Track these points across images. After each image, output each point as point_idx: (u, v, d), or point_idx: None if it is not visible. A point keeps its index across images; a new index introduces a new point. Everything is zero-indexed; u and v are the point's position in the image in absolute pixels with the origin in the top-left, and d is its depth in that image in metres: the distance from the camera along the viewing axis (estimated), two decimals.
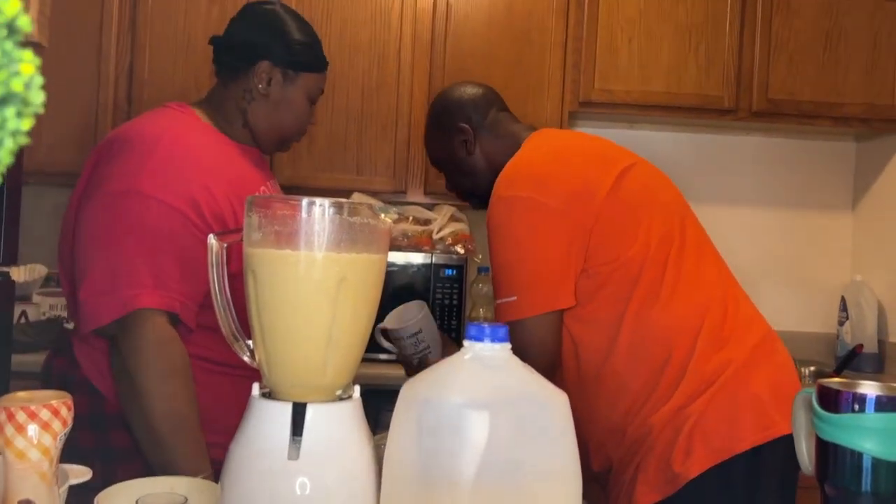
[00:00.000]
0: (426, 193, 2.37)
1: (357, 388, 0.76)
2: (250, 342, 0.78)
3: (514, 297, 1.30)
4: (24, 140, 0.27)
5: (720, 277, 1.40)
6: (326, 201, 0.74)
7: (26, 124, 0.26)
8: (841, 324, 2.54)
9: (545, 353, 1.31)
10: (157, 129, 1.18)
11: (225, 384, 1.13)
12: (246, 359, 0.79)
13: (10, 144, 0.26)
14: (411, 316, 1.50)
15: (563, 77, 2.38)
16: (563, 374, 1.36)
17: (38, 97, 0.26)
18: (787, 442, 1.27)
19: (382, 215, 0.77)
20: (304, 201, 0.73)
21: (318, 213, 0.73)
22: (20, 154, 1.30)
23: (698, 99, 2.40)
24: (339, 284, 0.73)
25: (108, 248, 1.09)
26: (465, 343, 0.69)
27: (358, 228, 0.75)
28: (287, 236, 0.73)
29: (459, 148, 1.47)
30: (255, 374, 1.00)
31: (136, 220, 1.09)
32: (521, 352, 1.25)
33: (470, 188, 1.49)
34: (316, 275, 0.73)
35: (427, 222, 2.24)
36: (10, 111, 0.26)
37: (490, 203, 1.36)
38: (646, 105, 2.41)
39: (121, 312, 1.06)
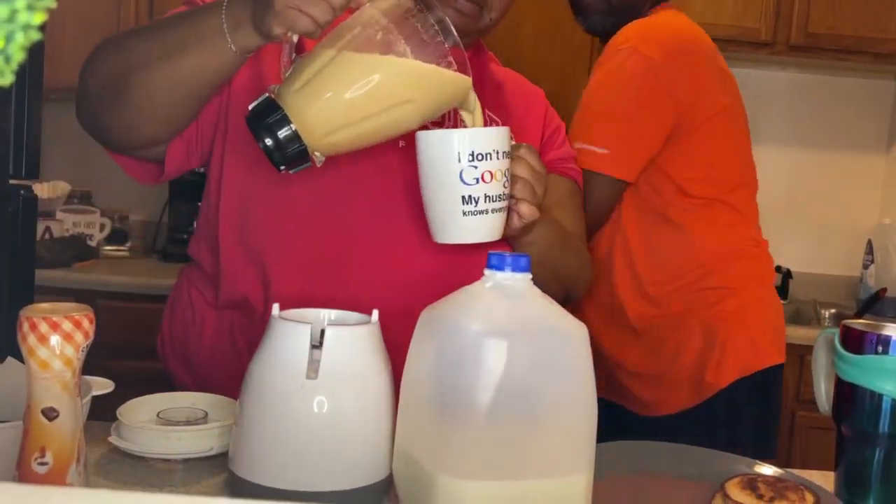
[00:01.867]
0: None
1: (376, 313, 0.76)
2: (295, 55, 0.82)
3: (608, 151, 1.32)
4: (35, 35, 0.26)
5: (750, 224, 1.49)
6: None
7: (38, 18, 0.25)
8: (865, 267, 2.50)
9: (598, 218, 1.37)
10: None
11: (206, 320, 1.03)
12: (284, 59, 0.81)
13: (21, 39, 0.25)
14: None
15: None
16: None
17: None
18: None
19: (471, 100, 0.85)
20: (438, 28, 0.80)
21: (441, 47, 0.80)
22: (41, 69, 1.27)
23: (734, 31, 2.31)
24: (407, 99, 0.80)
25: None
26: (486, 272, 0.68)
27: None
28: (404, 38, 0.79)
29: None
30: (231, 319, 1.01)
31: None
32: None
33: (605, 6, 1.44)
34: (397, 79, 0.80)
35: None
36: (20, 2, 0.24)
37: (624, 47, 1.34)
38: None
39: None
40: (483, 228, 0.83)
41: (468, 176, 0.80)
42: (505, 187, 0.84)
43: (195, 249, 1.06)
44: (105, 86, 0.90)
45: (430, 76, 0.80)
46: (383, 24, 0.79)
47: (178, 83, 0.86)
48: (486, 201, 0.82)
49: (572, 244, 1.10)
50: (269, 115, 0.80)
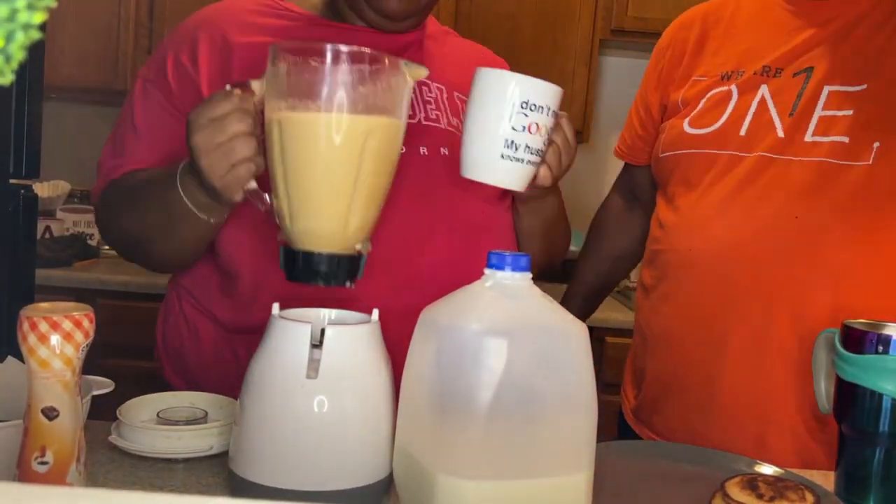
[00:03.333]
0: None
1: (376, 312, 0.76)
2: (266, 195, 0.79)
3: None
4: (36, 35, 0.26)
5: None
6: (353, 62, 0.73)
7: (38, 18, 0.25)
8: None
9: None
10: None
11: (202, 331, 1.04)
12: (260, 207, 0.80)
13: (21, 38, 0.25)
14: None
15: (596, 2, 2.30)
16: None
17: None
18: None
19: (408, 73, 0.76)
20: (328, 60, 0.72)
21: (344, 75, 0.72)
22: (42, 68, 1.27)
23: None
24: (363, 146, 0.73)
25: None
26: (486, 271, 0.68)
27: (381, 90, 0.74)
28: (312, 98, 0.72)
29: None
30: (234, 337, 1.01)
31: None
32: None
33: None
34: (340, 138, 0.73)
35: None
36: (20, 1, 0.24)
37: None
38: None
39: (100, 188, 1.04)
40: (514, 176, 0.84)
41: (517, 122, 0.82)
42: (544, 145, 0.85)
43: (197, 272, 1.05)
44: (124, 249, 1.02)
45: (354, 111, 0.74)
46: (284, 105, 0.74)
47: (185, 244, 0.95)
48: (525, 151, 0.83)
49: (566, 220, 1.18)
50: (298, 262, 0.78)
